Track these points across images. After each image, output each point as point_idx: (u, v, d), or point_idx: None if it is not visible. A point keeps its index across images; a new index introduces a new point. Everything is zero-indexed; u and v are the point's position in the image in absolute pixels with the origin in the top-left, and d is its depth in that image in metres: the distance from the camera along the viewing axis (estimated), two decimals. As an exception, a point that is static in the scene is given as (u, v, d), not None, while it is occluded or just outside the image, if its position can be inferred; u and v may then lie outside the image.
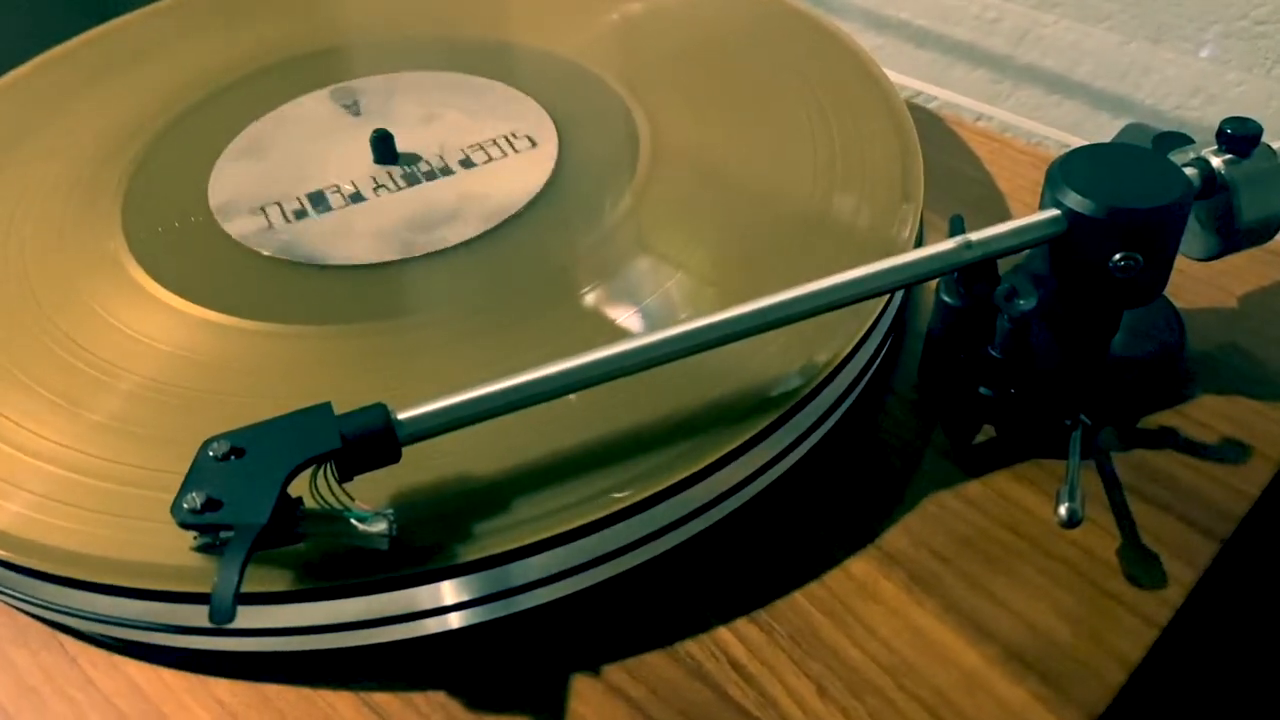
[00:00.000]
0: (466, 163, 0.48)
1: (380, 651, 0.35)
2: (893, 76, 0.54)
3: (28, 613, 0.37)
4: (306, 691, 0.34)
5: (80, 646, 0.36)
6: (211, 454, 0.32)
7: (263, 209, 0.46)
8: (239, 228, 0.45)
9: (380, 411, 0.33)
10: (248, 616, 0.33)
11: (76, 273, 0.44)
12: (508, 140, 0.48)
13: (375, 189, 0.47)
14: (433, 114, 0.51)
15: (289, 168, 0.48)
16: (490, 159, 0.48)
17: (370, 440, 0.32)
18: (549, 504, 0.34)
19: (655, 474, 0.35)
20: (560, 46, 0.55)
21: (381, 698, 0.34)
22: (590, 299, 0.41)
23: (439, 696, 0.34)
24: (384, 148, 0.47)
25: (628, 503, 0.34)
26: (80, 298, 0.43)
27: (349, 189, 0.47)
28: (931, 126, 0.55)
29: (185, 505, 0.30)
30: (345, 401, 0.33)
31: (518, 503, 0.34)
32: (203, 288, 0.43)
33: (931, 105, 0.57)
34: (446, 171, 0.47)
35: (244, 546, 0.29)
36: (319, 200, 0.46)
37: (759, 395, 0.37)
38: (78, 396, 0.39)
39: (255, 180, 0.48)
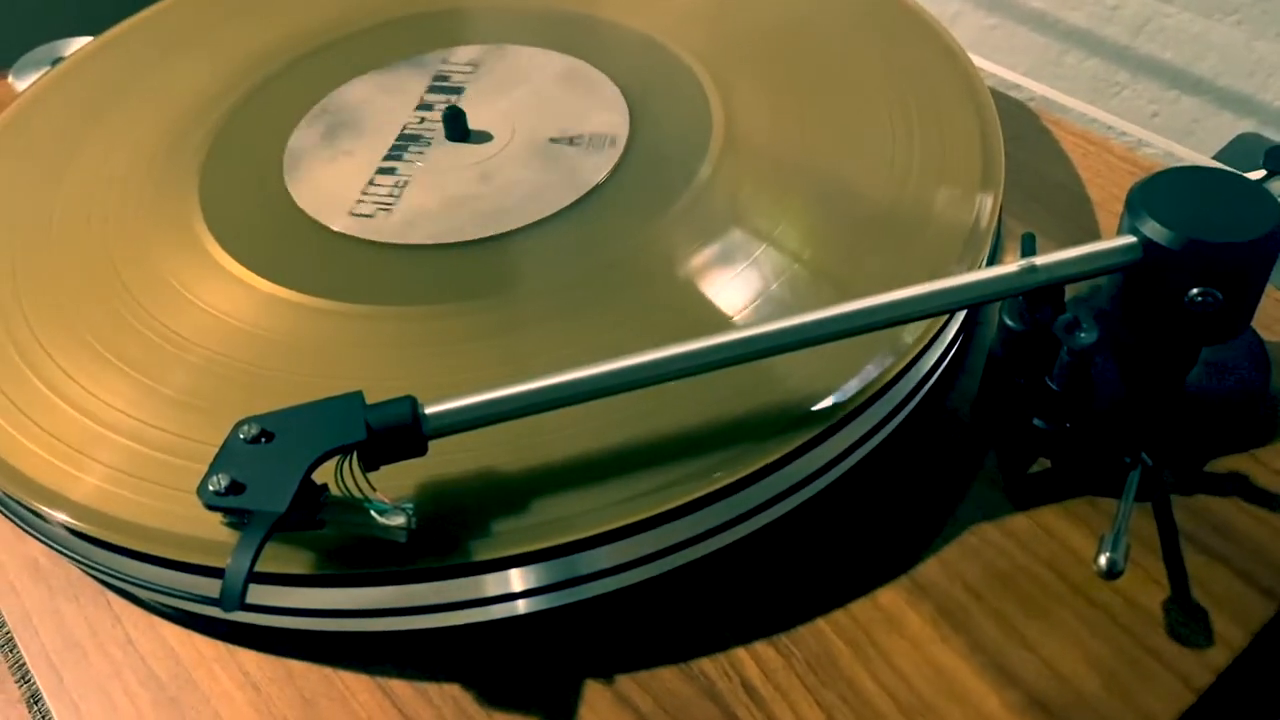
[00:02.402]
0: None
1: (400, 639, 0.35)
2: (990, 67, 0.52)
3: (81, 567, 0.39)
4: (328, 671, 0.35)
5: (124, 605, 0.38)
6: (241, 436, 0.32)
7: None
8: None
9: (408, 404, 0.33)
10: (277, 596, 0.34)
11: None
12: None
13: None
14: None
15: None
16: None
17: (396, 433, 0.33)
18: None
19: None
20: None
21: (398, 684, 0.35)
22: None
23: (453, 689, 0.34)
24: (456, 125, 0.47)
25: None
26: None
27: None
28: (1025, 123, 0.52)
29: (210, 487, 0.31)
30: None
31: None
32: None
33: (1031, 102, 0.54)
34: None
35: (259, 534, 0.30)
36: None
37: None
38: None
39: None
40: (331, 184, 0.46)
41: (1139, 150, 0.50)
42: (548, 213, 0.44)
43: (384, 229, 0.44)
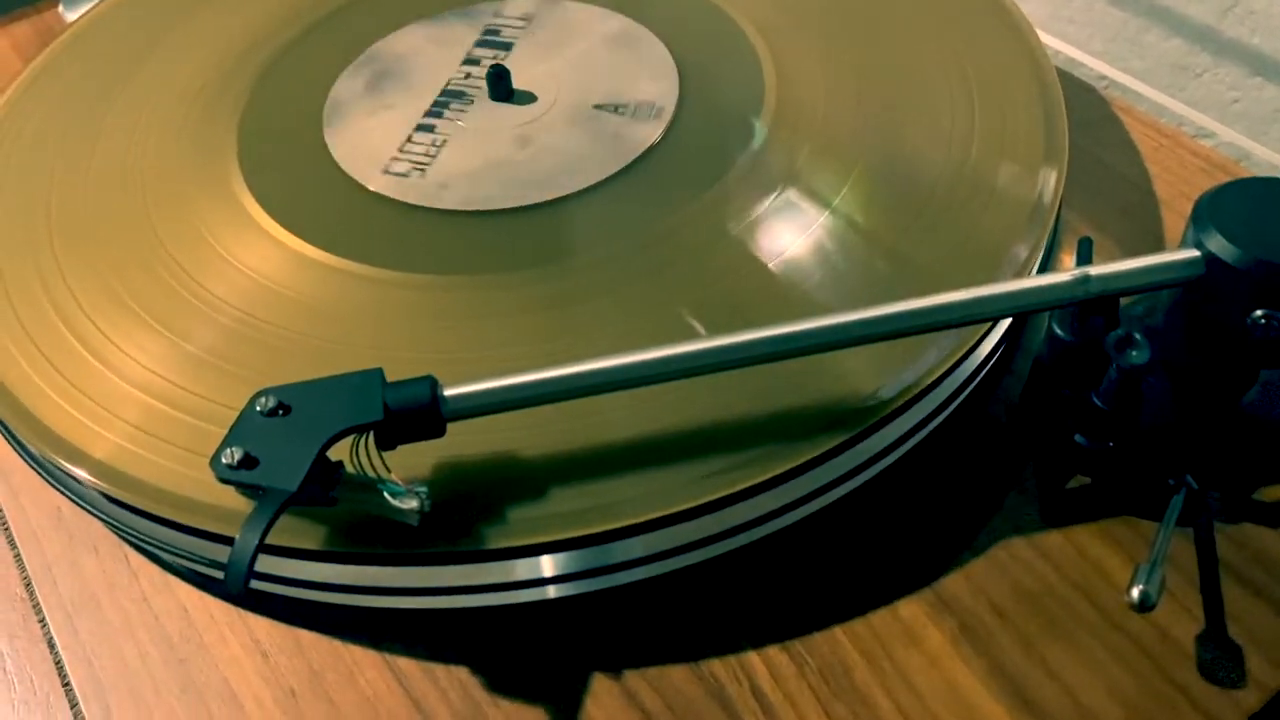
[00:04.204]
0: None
1: (410, 618, 0.35)
2: (1060, 46, 0.50)
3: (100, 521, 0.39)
4: (337, 644, 0.35)
5: (141, 562, 0.38)
6: (258, 408, 0.32)
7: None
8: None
9: (427, 385, 0.32)
10: (286, 567, 0.34)
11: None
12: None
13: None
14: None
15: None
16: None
17: (414, 414, 0.32)
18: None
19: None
20: None
21: (405, 663, 0.34)
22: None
23: (460, 672, 0.34)
24: (499, 85, 0.46)
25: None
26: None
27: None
28: (1095, 109, 0.49)
29: (224, 460, 0.31)
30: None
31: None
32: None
33: (1103, 85, 0.51)
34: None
35: (268, 513, 0.29)
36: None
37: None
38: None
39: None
40: (370, 139, 0.45)
41: (1211, 141, 0.48)
42: (591, 181, 0.42)
43: (420, 190, 0.43)
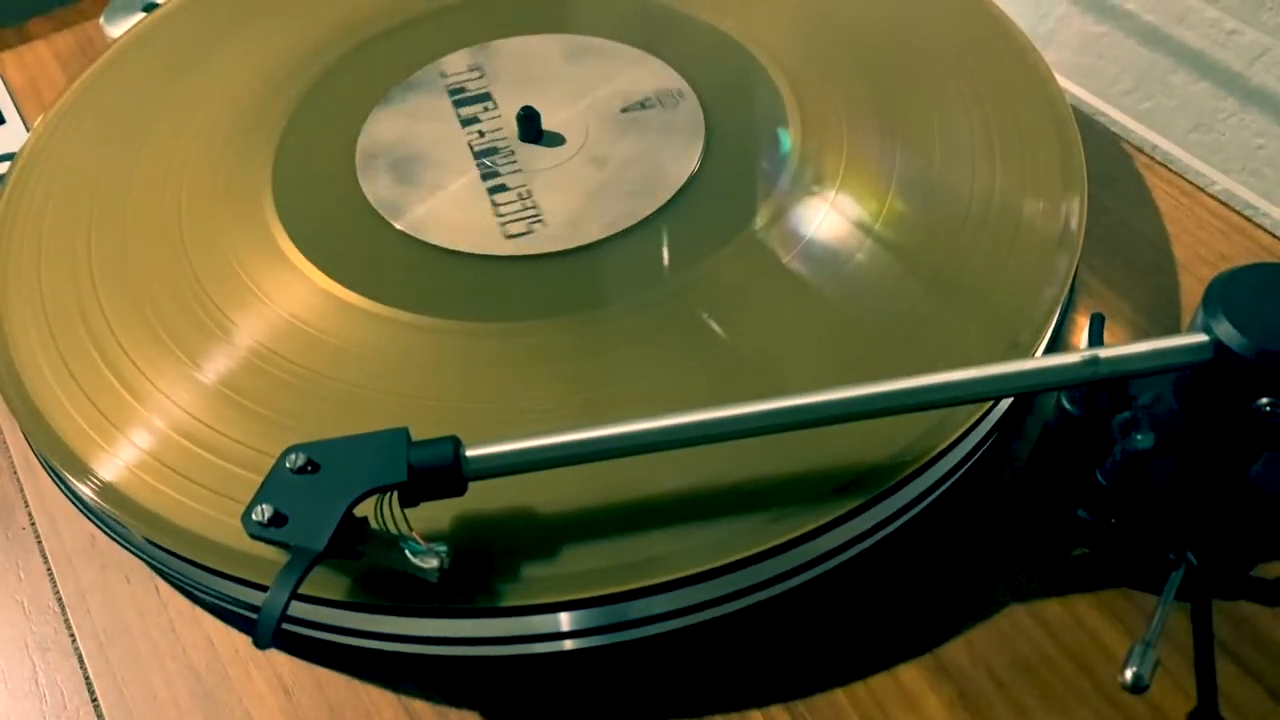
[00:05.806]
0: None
1: (426, 662, 0.36)
2: (1086, 97, 0.50)
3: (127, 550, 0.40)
4: (355, 684, 0.36)
5: (171, 593, 0.39)
6: (288, 465, 0.33)
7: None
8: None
9: (450, 446, 0.33)
10: (309, 612, 0.35)
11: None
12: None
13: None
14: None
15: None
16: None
17: (436, 474, 0.33)
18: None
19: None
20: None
21: (420, 706, 0.36)
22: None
23: (472, 717, 0.35)
24: (529, 127, 0.47)
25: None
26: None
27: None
28: (1117, 164, 0.50)
29: (255, 517, 0.32)
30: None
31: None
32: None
33: (1128, 139, 0.52)
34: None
35: (296, 573, 0.31)
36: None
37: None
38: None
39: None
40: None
41: (1231, 206, 0.48)
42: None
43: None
